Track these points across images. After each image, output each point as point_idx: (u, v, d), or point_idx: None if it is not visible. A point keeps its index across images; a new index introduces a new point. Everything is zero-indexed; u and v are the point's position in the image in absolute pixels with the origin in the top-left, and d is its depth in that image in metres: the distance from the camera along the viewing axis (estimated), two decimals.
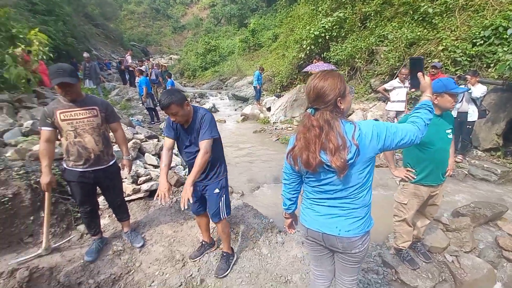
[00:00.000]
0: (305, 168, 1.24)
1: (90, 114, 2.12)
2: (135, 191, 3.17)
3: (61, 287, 2.20)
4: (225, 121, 9.80)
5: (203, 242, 2.63)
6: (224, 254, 2.46)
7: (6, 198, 2.30)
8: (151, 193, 3.31)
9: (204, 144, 1.98)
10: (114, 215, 2.72)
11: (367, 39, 9.06)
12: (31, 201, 2.46)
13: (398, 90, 5.33)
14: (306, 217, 1.43)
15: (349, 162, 1.15)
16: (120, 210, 2.60)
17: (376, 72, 8.41)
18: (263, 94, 11.72)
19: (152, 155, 4.02)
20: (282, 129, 8.48)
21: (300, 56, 11.31)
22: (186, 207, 1.86)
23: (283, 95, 10.58)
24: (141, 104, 8.55)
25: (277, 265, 2.50)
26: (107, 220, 2.91)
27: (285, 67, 12.62)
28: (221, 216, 2.28)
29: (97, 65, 9.20)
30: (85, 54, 8.40)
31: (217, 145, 2.16)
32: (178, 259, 2.55)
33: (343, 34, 10.14)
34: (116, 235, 2.73)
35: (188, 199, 1.84)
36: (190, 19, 35.81)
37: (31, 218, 2.45)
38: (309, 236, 1.45)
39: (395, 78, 5.90)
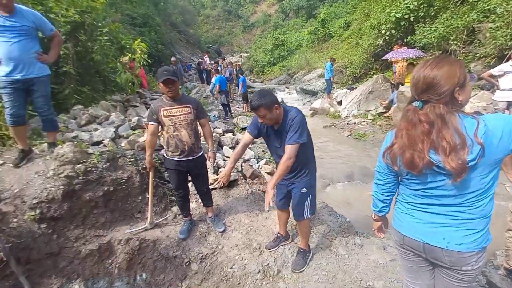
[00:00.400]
0: (408, 169, 1.12)
1: (185, 111, 2.42)
2: (216, 181, 3.47)
3: (161, 257, 2.62)
4: None
5: (279, 235, 2.70)
6: (301, 250, 2.47)
7: (123, 180, 2.85)
8: (230, 184, 3.57)
9: (288, 149, 1.91)
10: (200, 200, 3.06)
11: (466, 15, 7.55)
12: (140, 184, 2.97)
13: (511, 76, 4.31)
14: (402, 223, 1.30)
15: (470, 164, 0.98)
16: (206, 196, 2.90)
17: (478, 55, 6.97)
18: (333, 87, 11.16)
19: (229, 148, 4.33)
20: (355, 123, 7.94)
21: (377, 43, 10.28)
22: (268, 210, 1.89)
23: (356, 87, 9.85)
24: (215, 101, 9.27)
25: (356, 267, 2.38)
26: (194, 205, 3.27)
27: (358, 57, 11.71)
28: (305, 216, 2.25)
29: (182, 68, 10.38)
30: (173, 58, 9.59)
31: (307, 148, 2.10)
32: (255, 247, 2.70)
33: (432, 13, 8.73)
34: (202, 219, 3.06)
35: (269, 202, 1.83)
36: (259, 16, 36.70)
37: (140, 197, 2.96)
38: (406, 244, 1.31)
39: (506, 61, 4.78)
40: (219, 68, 10.62)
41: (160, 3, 21.91)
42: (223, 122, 6.95)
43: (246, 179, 3.81)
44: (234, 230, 2.93)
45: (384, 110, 7.94)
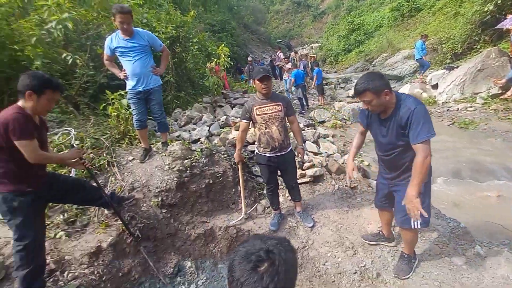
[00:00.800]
0: None
1: (276, 109, 2.50)
2: (302, 176, 3.48)
3: None
4: None
5: (381, 233, 2.53)
6: (405, 256, 2.23)
7: (219, 174, 3.17)
8: (315, 179, 3.53)
9: (421, 148, 1.65)
10: (287, 195, 3.13)
11: None
12: (233, 178, 3.25)
13: None
14: None
15: None
16: (294, 191, 2.93)
17: None
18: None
19: (312, 142, 4.27)
20: (458, 110, 6.70)
21: (485, 9, 8.38)
22: (416, 223, 1.74)
23: (457, 66, 8.24)
24: (290, 95, 9.25)
25: (478, 282, 2.02)
26: (281, 199, 3.36)
27: (459, 29, 9.75)
28: (412, 225, 1.90)
29: (256, 65, 10.78)
30: (249, 58, 10.07)
31: None
32: (348, 246, 2.60)
33: None
34: (290, 213, 3.12)
35: (421, 213, 1.62)
36: (329, 2, 34.56)
37: (233, 190, 3.24)
38: None
39: None
40: (290, 61, 10.52)
41: (234, 7, 23.20)
42: (301, 117, 6.89)
43: (331, 174, 3.69)
44: (323, 226, 2.89)
45: (500, 92, 6.44)
